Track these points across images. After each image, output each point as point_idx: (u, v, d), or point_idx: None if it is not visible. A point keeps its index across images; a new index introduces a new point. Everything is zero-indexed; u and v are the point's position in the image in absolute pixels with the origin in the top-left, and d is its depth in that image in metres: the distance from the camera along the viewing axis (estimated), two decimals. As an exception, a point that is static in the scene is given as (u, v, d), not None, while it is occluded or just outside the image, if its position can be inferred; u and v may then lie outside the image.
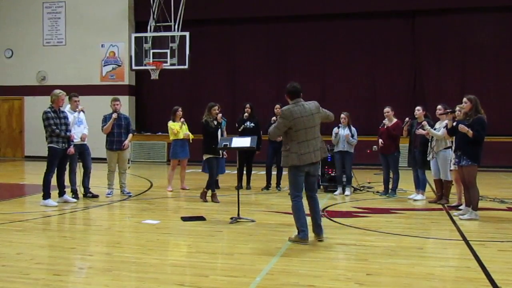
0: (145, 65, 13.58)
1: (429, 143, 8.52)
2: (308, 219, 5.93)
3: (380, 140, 9.21)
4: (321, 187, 10.05)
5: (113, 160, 9.19)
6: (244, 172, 10.20)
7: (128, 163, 9.84)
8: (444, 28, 15.23)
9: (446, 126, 7.77)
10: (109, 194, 9.14)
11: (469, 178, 7.13)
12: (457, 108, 7.61)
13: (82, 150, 8.80)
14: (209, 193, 8.64)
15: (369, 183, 10.86)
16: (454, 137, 7.58)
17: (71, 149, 8.24)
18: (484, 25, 15.07)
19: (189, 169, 11.27)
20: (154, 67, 13.41)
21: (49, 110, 8.04)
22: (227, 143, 7.44)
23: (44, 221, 7.24)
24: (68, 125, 8.21)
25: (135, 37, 13.89)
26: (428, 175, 8.94)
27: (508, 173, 13.53)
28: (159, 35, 13.61)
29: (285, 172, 6.46)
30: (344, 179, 9.55)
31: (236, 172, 9.32)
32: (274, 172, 10.14)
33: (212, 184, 8.65)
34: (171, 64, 13.39)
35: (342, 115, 9.54)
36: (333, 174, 9.85)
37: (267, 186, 10.12)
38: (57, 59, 17.11)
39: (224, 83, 16.62)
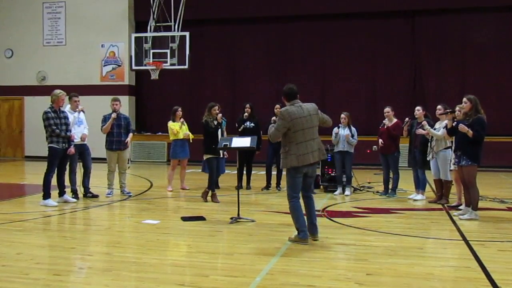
0: (145, 65, 13.59)
1: (429, 143, 8.53)
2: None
3: (380, 140, 9.21)
4: (321, 187, 10.07)
5: (113, 160, 9.19)
6: (244, 172, 10.20)
7: (128, 163, 9.85)
8: (444, 28, 15.23)
9: (446, 126, 7.77)
10: (109, 194, 9.14)
11: (469, 178, 7.13)
12: (457, 108, 7.61)
13: (82, 150, 8.80)
14: (209, 193, 8.64)
15: (369, 183, 10.86)
16: (454, 137, 7.58)
17: (71, 149, 8.24)
18: (484, 25, 15.07)
19: (189, 169, 11.28)
20: (154, 67, 13.42)
21: (49, 110, 8.04)
22: (227, 143, 7.44)
23: (44, 221, 7.24)
24: (68, 125, 8.21)
25: (135, 37, 13.90)
26: (428, 175, 8.94)
27: (508, 173, 13.53)
28: (159, 35, 13.61)
29: (284, 173, 6.46)
30: (344, 179, 9.55)
31: (236, 172, 9.32)
32: (274, 172, 10.14)
33: (212, 184, 8.66)
34: (171, 64, 13.39)
35: (342, 115, 9.54)
36: (333, 174, 9.85)
37: (267, 186, 10.12)
38: (57, 59, 17.12)
39: (224, 83, 16.62)
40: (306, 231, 5.77)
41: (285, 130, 5.70)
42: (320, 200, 8.87)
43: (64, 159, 8.23)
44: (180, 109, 10.07)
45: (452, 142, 7.91)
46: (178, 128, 9.84)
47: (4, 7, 17.46)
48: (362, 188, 10.22)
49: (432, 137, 8.42)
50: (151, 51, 13.51)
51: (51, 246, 5.90)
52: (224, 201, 8.60)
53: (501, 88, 14.80)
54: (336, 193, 9.55)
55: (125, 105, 15.16)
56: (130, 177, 11.82)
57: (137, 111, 17.32)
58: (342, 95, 15.42)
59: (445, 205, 8.29)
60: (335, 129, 9.47)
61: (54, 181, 8.21)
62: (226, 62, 16.73)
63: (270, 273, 4.72)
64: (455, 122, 7.38)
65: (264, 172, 10.29)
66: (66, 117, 8.24)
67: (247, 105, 10.33)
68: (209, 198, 8.62)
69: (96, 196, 8.95)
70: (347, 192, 9.51)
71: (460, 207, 7.78)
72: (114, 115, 9.05)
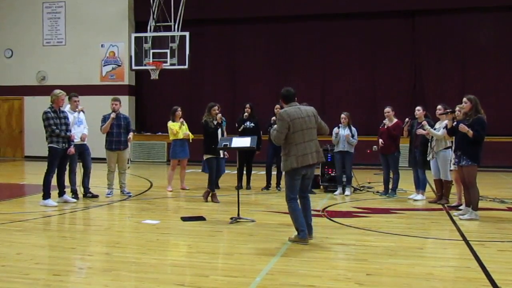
0: (145, 65, 13.59)
1: (429, 143, 8.52)
2: None
3: (380, 140, 9.21)
4: (321, 187, 10.06)
5: (113, 160, 9.19)
6: (244, 172, 10.20)
7: (128, 163, 9.84)
8: (444, 28, 15.23)
9: (446, 126, 7.77)
10: (109, 194, 9.13)
11: (469, 178, 7.13)
12: (457, 108, 7.61)
13: (82, 150, 8.80)
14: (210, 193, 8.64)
15: (369, 183, 10.86)
16: (454, 137, 7.58)
17: (71, 149, 8.24)
18: (484, 25, 15.08)
19: (189, 169, 11.28)
20: (154, 67, 13.42)
21: (49, 110, 8.04)
22: (227, 143, 7.44)
23: (44, 221, 7.24)
24: (68, 125, 8.21)
25: (135, 37, 13.90)
26: (428, 175, 8.94)
27: (508, 173, 13.53)
28: (159, 35, 13.61)
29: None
30: (344, 179, 9.55)
31: (236, 172, 9.32)
32: (274, 172, 10.14)
33: (212, 184, 8.65)
34: (171, 64, 13.40)
35: (342, 115, 9.54)
36: (333, 174, 9.85)
37: (267, 186, 10.12)
38: (57, 59, 17.11)
39: (224, 83, 16.61)
40: (306, 231, 5.77)
41: (287, 131, 5.71)
42: (320, 200, 8.88)
43: (64, 159, 8.23)
44: (179, 109, 10.07)
45: (452, 142, 7.91)
46: (178, 128, 9.84)
47: (4, 7, 17.45)
48: (362, 188, 10.21)
49: (432, 137, 8.42)
50: (151, 51, 13.51)
51: (51, 246, 5.90)
52: (224, 201, 8.60)
53: (501, 88, 14.80)
54: (336, 193, 9.55)
55: (125, 105, 15.15)
56: (130, 177, 11.82)
57: (137, 111, 17.32)
58: (342, 95, 15.42)
59: (445, 205, 8.29)
60: (335, 129, 9.47)
61: (54, 181, 8.21)
62: (226, 62, 16.73)
63: (270, 273, 4.72)
64: (455, 122, 7.38)
65: (264, 172, 10.29)
66: (66, 117, 8.24)
67: (247, 105, 10.33)
68: (209, 198, 8.61)
69: (96, 196, 8.95)
70: (347, 192, 9.51)
71: (460, 207, 7.77)
72: (113, 115, 9.04)
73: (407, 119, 9.15)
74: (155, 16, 13.85)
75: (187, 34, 13.33)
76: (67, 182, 8.53)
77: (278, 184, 10.06)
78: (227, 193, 9.44)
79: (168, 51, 13.36)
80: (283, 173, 5.91)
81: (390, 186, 9.33)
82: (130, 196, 9.22)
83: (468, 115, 7.17)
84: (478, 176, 7.22)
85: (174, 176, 10.11)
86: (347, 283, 4.45)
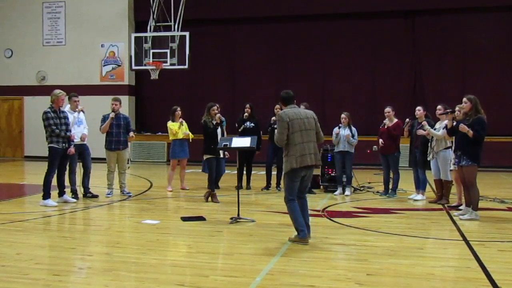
0: (145, 65, 13.59)
1: (429, 143, 8.52)
2: None
3: (381, 140, 9.21)
4: (321, 187, 10.06)
5: (112, 160, 9.18)
6: (244, 172, 10.20)
7: (128, 163, 9.84)
8: (444, 28, 15.21)
9: (445, 126, 7.76)
10: (109, 194, 9.13)
11: (469, 178, 7.13)
12: (457, 108, 7.61)
13: (82, 150, 8.80)
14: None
15: (369, 183, 10.85)
16: (454, 137, 7.57)
17: (72, 149, 8.24)
18: (484, 25, 15.07)
19: (189, 169, 11.27)
20: (154, 67, 13.41)
21: (49, 110, 8.04)
22: (227, 143, 7.44)
23: (44, 221, 7.23)
24: (68, 125, 8.21)
25: (135, 37, 13.90)
26: (428, 175, 8.94)
27: (508, 173, 13.53)
28: (159, 35, 13.61)
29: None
30: (344, 179, 9.54)
31: (236, 172, 9.32)
32: (274, 172, 10.14)
33: (212, 184, 8.65)
34: (171, 64, 13.39)
35: (343, 115, 9.54)
36: (333, 174, 9.84)
37: (267, 186, 10.12)
38: (57, 59, 17.11)
39: (224, 83, 16.61)
40: (306, 231, 5.78)
41: (287, 131, 5.75)
42: (320, 200, 8.88)
43: (64, 159, 8.23)
44: (179, 109, 10.07)
45: (452, 142, 7.90)
46: (177, 128, 9.83)
47: (4, 7, 17.44)
48: (362, 188, 10.21)
49: (432, 137, 8.42)
50: (151, 51, 13.51)
51: (51, 246, 5.90)
52: (224, 201, 8.60)
53: (501, 88, 14.79)
54: (336, 193, 9.55)
55: (125, 105, 15.12)
56: (130, 177, 11.82)
57: (137, 111, 17.32)
58: (342, 95, 15.41)
59: (445, 205, 8.28)
60: (336, 129, 9.47)
61: (54, 181, 8.21)
62: (226, 62, 16.72)
63: (270, 273, 4.72)
64: (455, 122, 7.38)
65: (264, 172, 10.29)
66: (66, 117, 8.24)
67: (247, 105, 10.33)
68: (209, 198, 8.61)
69: (96, 196, 8.94)
70: (347, 192, 9.51)
71: (460, 207, 7.77)
72: (112, 115, 9.04)
73: (407, 119, 9.15)
74: (155, 16, 13.85)
75: (187, 34, 13.33)
76: (67, 182, 8.53)
77: (278, 184, 10.06)
78: (227, 193, 9.44)
79: (168, 51, 13.36)
80: (283, 172, 5.93)
81: (390, 186, 9.33)
82: (130, 196, 9.22)
83: (468, 115, 7.16)
84: (478, 176, 7.22)
85: (174, 176, 10.11)
86: (347, 283, 4.45)
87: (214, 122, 8.69)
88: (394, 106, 9.54)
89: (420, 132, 8.57)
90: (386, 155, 9.22)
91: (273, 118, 9.41)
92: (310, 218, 6.14)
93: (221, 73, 16.68)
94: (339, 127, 9.49)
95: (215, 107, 8.80)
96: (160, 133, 16.41)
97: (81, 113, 8.94)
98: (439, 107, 8.36)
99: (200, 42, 15.48)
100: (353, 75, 15.71)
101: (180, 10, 13.69)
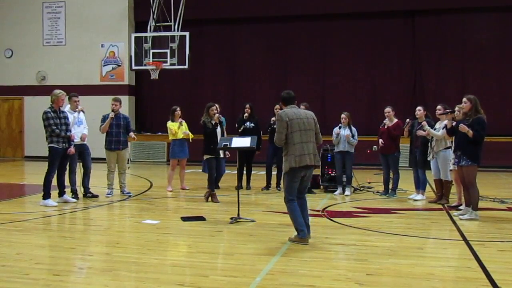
0: (145, 65, 13.58)
1: (429, 143, 8.52)
2: None
3: (381, 140, 9.21)
4: (321, 187, 10.06)
5: (112, 160, 9.19)
6: (244, 172, 10.20)
7: (128, 163, 9.84)
8: (444, 28, 15.22)
9: (445, 126, 7.76)
10: (109, 194, 9.13)
11: (469, 178, 7.13)
12: (457, 108, 7.61)
13: (82, 150, 8.80)
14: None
15: (369, 183, 10.85)
16: (453, 137, 7.57)
17: (72, 149, 8.24)
18: (484, 25, 15.07)
19: (189, 169, 11.28)
20: (154, 67, 13.41)
21: (49, 110, 8.04)
22: (227, 143, 7.44)
23: (44, 221, 7.23)
24: (68, 125, 8.21)
25: (135, 37, 13.89)
26: (428, 175, 8.94)
27: (508, 173, 13.53)
28: (159, 35, 13.61)
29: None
30: (344, 179, 9.55)
31: (236, 172, 9.32)
32: (274, 172, 10.14)
33: (212, 184, 8.65)
34: (171, 64, 13.39)
35: (343, 115, 9.54)
36: (333, 174, 9.85)
37: (267, 186, 10.12)
38: (57, 59, 17.11)
39: (224, 83, 16.61)
40: (306, 230, 5.78)
41: (285, 130, 5.77)
42: (320, 200, 8.88)
43: (65, 159, 8.23)
44: (178, 108, 10.07)
45: (452, 142, 7.90)
46: (177, 128, 9.84)
47: (4, 7, 17.45)
48: (362, 188, 10.21)
49: (432, 137, 8.42)
50: (151, 51, 13.50)
51: (51, 246, 5.90)
52: (224, 201, 8.60)
53: (501, 88, 14.80)
54: (336, 193, 9.55)
55: (125, 105, 15.13)
56: (130, 177, 11.82)
57: (137, 111, 17.32)
58: (342, 95, 15.41)
59: (445, 205, 8.28)
60: (336, 129, 9.47)
61: (54, 181, 8.21)
62: (226, 62, 16.72)
63: (270, 273, 4.72)
64: (455, 122, 7.38)
65: (264, 172, 10.29)
66: (66, 117, 8.24)
67: (247, 105, 10.33)
68: (209, 198, 8.61)
69: (96, 196, 8.94)
70: (347, 192, 9.51)
71: (460, 207, 7.77)
72: (111, 115, 9.05)
73: (408, 119, 9.15)
74: (155, 16, 13.85)
75: (187, 34, 13.32)
76: (67, 182, 8.53)
77: (278, 184, 10.06)
78: (227, 193, 9.44)
79: (168, 51, 13.35)
80: (283, 172, 5.93)
81: (390, 186, 9.33)
82: (130, 196, 9.22)
83: (468, 115, 7.16)
84: (478, 176, 7.22)
85: (174, 176, 10.11)
86: (347, 283, 4.45)
87: (213, 122, 8.69)
88: (394, 106, 9.55)
89: (420, 133, 8.57)
90: (386, 155, 9.23)
91: (273, 118, 9.41)
92: (310, 218, 6.15)
93: (221, 73, 16.68)
94: (339, 127, 9.49)
95: (214, 107, 8.80)
96: (160, 133, 16.41)
97: (81, 113, 8.94)
98: (439, 107, 8.36)
99: (200, 42, 15.49)
100: (353, 75, 15.71)
101: (180, 10, 13.69)
